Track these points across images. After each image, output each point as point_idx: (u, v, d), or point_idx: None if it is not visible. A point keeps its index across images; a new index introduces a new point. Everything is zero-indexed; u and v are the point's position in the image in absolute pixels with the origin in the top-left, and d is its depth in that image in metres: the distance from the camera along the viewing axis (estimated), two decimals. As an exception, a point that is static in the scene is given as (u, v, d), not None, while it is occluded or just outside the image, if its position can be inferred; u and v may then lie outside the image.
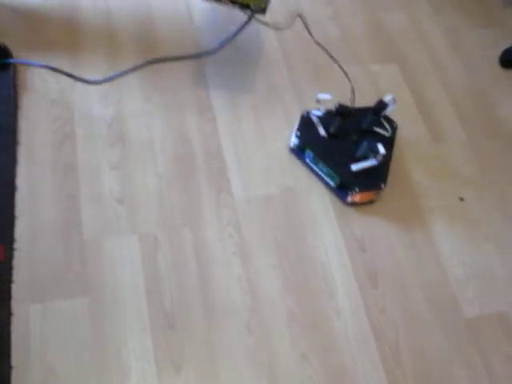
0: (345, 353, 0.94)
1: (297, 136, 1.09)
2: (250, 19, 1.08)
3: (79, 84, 1.12)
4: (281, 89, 1.21)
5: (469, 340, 0.99)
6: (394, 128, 1.14)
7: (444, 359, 0.96)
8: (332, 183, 1.08)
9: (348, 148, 1.09)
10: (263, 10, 1.08)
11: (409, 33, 1.40)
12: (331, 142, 1.10)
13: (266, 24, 1.14)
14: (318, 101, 1.09)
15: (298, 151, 1.11)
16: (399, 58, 1.35)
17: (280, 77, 1.22)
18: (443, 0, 1.50)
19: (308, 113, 1.12)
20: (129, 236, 0.98)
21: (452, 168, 1.19)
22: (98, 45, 1.19)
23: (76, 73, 1.12)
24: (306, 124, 1.11)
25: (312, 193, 1.09)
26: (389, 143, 1.11)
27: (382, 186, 1.07)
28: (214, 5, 1.09)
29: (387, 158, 1.08)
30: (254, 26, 1.15)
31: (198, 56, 1.17)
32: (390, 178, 1.08)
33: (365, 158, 1.06)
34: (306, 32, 1.16)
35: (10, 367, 0.83)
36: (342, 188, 1.07)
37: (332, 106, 1.09)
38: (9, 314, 0.87)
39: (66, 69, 1.12)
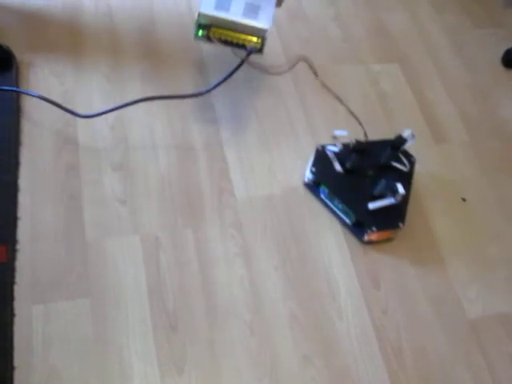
0: (347, 354, 0.94)
1: (312, 172, 1.06)
2: (242, 62, 1.00)
3: (83, 86, 1.12)
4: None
5: (471, 341, 0.99)
6: (411, 162, 1.09)
7: (447, 360, 0.96)
8: (348, 220, 1.05)
9: (365, 184, 1.05)
10: (260, 51, 1.01)
11: (410, 33, 1.40)
12: (347, 177, 1.05)
13: (261, 68, 1.04)
14: (335, 137, 1.06)
15: (313, 186, 1.08)
16: (401, 58, 1.35)
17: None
18: (445, 0, 1.50)
19: (323, 147, 1.08)
20: (131, 237, 0.98)
21: (454, 169, 1.19)
22: (101, 47, 1.19)
23: (78, 75, 1.12)
24: (320, 159, 1.07)
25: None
26: (406, 179, 1.07)
27: (401, 224, 1.03)
28: (207, 45, 1.03)
29: (406, 196, 1.04)
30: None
31: (190, 96, 1.08)
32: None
33: (382, 196, 1.03)
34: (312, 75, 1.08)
35: (12, 368, 0.84)
36: (358, 226, 1.04)
37: (347, 141, 1.06)
38: (11, 314, 0.87)
39: (69, 71, 1.13)
